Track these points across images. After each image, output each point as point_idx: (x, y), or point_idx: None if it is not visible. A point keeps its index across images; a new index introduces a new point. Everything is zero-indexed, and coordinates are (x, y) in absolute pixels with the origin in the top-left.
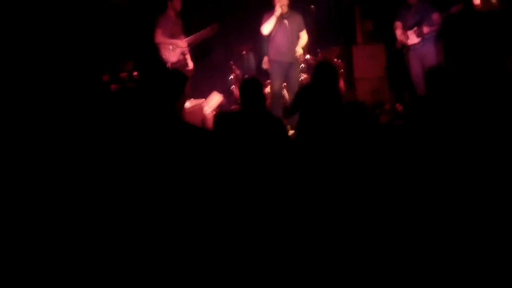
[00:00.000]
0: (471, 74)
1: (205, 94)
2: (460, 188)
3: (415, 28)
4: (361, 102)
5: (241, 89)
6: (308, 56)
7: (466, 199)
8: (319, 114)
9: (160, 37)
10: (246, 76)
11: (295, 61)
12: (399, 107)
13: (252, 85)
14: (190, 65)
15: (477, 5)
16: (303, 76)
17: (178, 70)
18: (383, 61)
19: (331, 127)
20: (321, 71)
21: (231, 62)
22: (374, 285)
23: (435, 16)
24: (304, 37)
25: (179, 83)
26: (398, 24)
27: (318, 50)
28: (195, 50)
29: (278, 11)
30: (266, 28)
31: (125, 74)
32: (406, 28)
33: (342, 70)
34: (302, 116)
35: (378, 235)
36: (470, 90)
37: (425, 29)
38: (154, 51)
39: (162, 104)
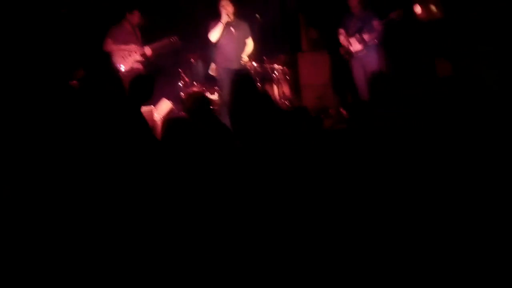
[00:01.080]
0: (408, 80)
1: (154, 101)
2: (402, 189)
3: (357, 35)
4: (304, 107)
5: (188, 106)
6: (254, 64)
7: (409, 202)
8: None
9: (109, 46)
10: (192, 90)
11: (241, 69)
12: (343, 111)
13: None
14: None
15: (418, 14)
16: None
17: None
18: (327, 67)
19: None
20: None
21: (180, 70)
22: None
23: (376, 23)
24: (250, 45)
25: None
26: (342, 31)
27: (264, 57)
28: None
29: (224, 18)
30: (213, 35)
31: (75, 82)
32: (349, 35)
33: (288, 77)
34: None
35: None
36: (407, 95)
37: (366, 36)
38: (107, 59)
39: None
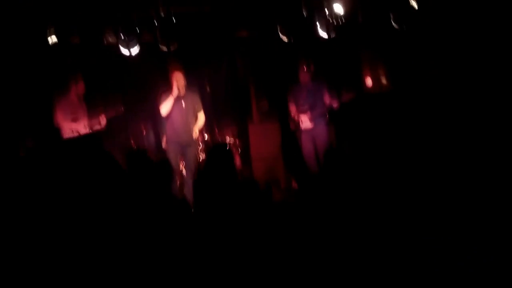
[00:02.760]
0: (358, 154)
1: None
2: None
3: (308, 113)
4: (254, 180)
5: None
6: (206, 136)
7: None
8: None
9: (59, 121)
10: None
11: (192, 142)
12: (294, 185)
13: None
14: None
15: (368, 86)
16: (202, 156)
17: None
18: (278, 139)
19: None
20: (216, 152)
21: (132, 141)
22: None
23: (327, 99)
24: (201, 118)
25: None
26: (292, 105)
27: (215, 129)
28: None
29: (175, 92)
30: (164, 109)
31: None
32: (299, 111)
33: (239, 149)
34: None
35: None
36: (357, 168)
37: (317, 113)
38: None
39: None
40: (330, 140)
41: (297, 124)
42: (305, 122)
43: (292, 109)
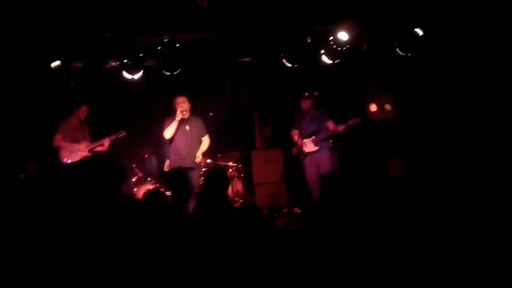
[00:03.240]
0: (361, 180)
1: None
2: None
3: (313, 137)
4: (255, 206)
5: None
6: (209, 161)
7: None
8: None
9: (58, 142)
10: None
11: (195, 166)
12: (297, 211)
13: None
14: None
15: (373, 112)
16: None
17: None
18: (280, 165)
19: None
20: (211, 178)
21: (134, 165)
22: None
23: (331, 125)
24: (205, 142)
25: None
26: (295, 132)
27: (218, 155)
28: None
29: (179, 116)
30: (168, 133)
31: (23, 175)
32: (302, 136)
33: (242, 174)
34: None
35: None
36: (359, 195)
37: (320, 137)
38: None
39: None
40: (333, 166)
41: (300, 148)
42: (309, 145)
43: (295, 135)
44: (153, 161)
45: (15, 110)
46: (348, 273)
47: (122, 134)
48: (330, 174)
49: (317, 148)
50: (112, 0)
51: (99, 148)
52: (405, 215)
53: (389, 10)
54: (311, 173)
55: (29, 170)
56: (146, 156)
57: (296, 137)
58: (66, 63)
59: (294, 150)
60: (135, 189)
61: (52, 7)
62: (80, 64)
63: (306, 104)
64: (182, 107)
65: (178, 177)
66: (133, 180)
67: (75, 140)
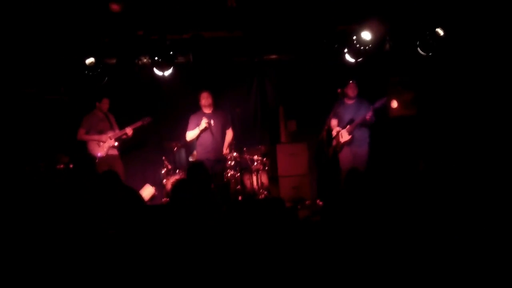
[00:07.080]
0: (389, 176)
1: (138, 186)
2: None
3: (348, 127)
4: (279, 198)
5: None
6: (235, 154)
7: None
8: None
9: (82, 136)
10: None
11: (221, 158)
12: (319, 203)
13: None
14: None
15: (394, 108)
16: (230, 173)
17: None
18: (305, 159)
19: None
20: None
21: (163, 157)
22: None
23: (369, 115)
24: (229, 134)
25: None
26: (334, 122)
27: (244, 148)
28: (130, 145)
29: (203, 124)
30: (190, 136)
31: (61, 166)
32: (341, 126)
33: (267, 167)
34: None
35: None
36: (386, 191)
37: (354, 125)
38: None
39: None
40: (367, 162)
41: (337, 139)
42: (344, 135)
43: (334, 123)
44: (182, 154)
45: (48, 104)
46: (360, 266)
47: (147, 120)
48: (354, 169)
49: (350, 137)
50: (145, 0)
51: (124, 137)
52: (425, 212)
53: (412, 10)
54: (346, 166)
55: (65, 162)
56: (175, 148)
57: (333, 126)
58: (100, 60)
59: (334, 142)
60: (164, 180)
61: (87, 8)
62: (113, 61)
63: (352, 93)
64: (208, 102)
65: (198, 168)
66: (163, 172)
67: (102, 132)
